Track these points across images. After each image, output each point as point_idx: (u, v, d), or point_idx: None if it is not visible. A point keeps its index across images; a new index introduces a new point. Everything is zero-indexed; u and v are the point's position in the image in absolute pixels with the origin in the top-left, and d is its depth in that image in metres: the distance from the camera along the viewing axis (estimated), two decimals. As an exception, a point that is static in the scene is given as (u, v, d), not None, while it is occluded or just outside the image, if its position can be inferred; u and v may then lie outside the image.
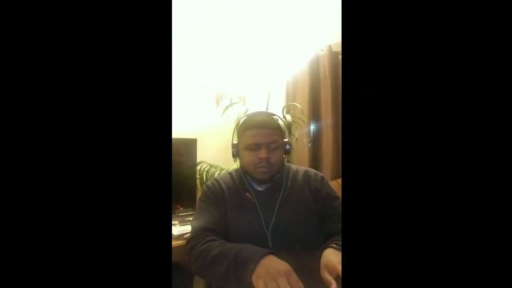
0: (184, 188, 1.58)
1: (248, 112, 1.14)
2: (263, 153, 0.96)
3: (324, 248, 0.85)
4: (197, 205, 1.05)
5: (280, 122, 1.06)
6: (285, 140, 1.03)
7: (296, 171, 1.08)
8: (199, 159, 1.65)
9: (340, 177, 1.82)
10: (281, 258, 0.81)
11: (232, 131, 1.09)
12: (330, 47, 1.91)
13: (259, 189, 1.02)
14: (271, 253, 0.78)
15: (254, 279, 0.73)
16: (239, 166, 1.10)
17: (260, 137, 0.96)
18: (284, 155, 1.04)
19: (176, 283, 0.83)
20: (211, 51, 1.80)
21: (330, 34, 1.93)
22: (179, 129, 1.61)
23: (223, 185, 1.03)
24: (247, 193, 1.00)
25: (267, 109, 1.78)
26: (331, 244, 0.85)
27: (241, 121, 1.06)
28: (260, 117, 1.01)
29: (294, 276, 0.72)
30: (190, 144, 1.61)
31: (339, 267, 0.74)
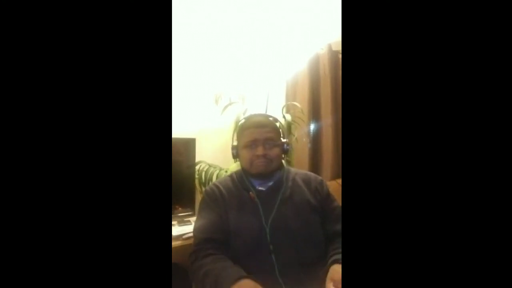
0: (183, 188, 1.58)
1: (247, 113, 1.19)
2: (259, 150, 1.00)
3: (331, 263, 0.89)
4: (197, 212, 1.08)
5: (278, 123, 1.11)
6: (282, 140, 1.08)
7: (296, 173, 1.12)
8: (198, 158, 1.64)
9: (340, 177, 1.81)
10: (281, 252, 0.92)
11: (232, 133, 1.13)
12: (329, 46, 1.90)
13: (261, 188, 1.05)
14: (247, 277, 0.82)
15: None
16: (240, 168, 1.13)
17: (257, 134, 1.01)
18: (282, 154, 1.08)
19: (175, 283, 0.84)
20: (211, 50, 1.80)
21: (329, 33, 1.93)
22: (178, 129, 1.60)
23: (222, 188, 1.05)
24: (250, 192, 1.03)
25: (266, 109, 1.78)
26: (339, 259, 0.89)
27: (240, 123, 1.11)
28: (257, 118, 1.07)
29: None
30: (189, 144, 1.61)
31: None
